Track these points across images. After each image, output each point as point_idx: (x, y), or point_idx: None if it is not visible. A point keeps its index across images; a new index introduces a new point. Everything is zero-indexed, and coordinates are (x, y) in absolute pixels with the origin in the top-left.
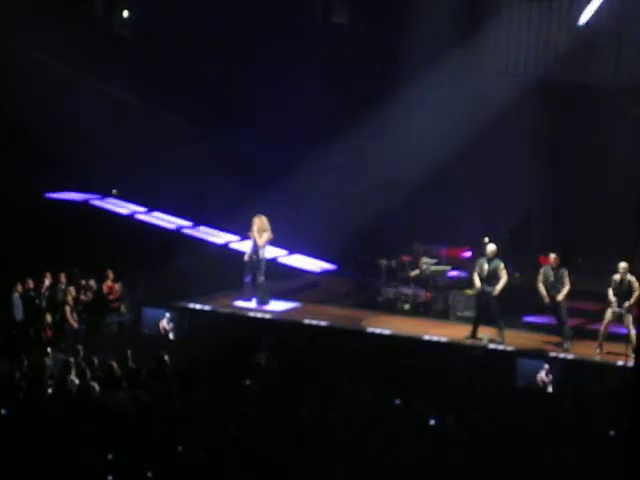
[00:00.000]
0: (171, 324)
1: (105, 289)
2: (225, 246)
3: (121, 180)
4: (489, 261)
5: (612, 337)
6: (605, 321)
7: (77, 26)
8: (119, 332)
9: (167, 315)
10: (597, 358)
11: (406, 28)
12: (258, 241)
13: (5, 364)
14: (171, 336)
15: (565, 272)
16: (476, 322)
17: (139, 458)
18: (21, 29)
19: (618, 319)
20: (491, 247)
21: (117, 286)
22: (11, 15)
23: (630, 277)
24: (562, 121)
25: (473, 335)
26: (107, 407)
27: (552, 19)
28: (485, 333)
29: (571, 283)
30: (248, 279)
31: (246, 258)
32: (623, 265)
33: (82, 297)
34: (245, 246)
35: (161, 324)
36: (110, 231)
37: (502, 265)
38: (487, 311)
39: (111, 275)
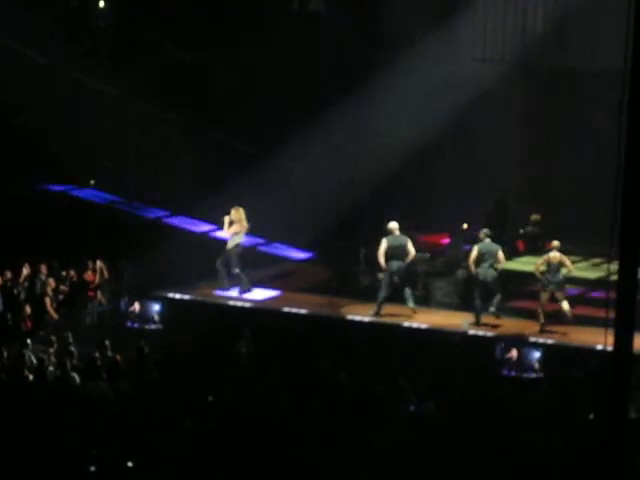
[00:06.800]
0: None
1: (86, 279)
2: (205, 235)
3: (98, 171)
4: (396, 239)
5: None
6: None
7: (51, 17)
8: (99, 322)
9: (137, 306)
10: (576, 343)
11: (381, 15)
12: (225, 231)
13: None
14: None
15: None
16: (383, 300)
17: (120, 448)
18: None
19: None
20: (392, 225)
21: (97, 276)
22: None
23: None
24: (539, 106)
25: (377, 313)
26: (87, 398)
27: (528, 3)
28: (465, 319)
29: None
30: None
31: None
32: (556, 244)
33: (62, 288)
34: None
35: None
36: (90, 221)
37: (410, 241)
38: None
39: (91, 265)
